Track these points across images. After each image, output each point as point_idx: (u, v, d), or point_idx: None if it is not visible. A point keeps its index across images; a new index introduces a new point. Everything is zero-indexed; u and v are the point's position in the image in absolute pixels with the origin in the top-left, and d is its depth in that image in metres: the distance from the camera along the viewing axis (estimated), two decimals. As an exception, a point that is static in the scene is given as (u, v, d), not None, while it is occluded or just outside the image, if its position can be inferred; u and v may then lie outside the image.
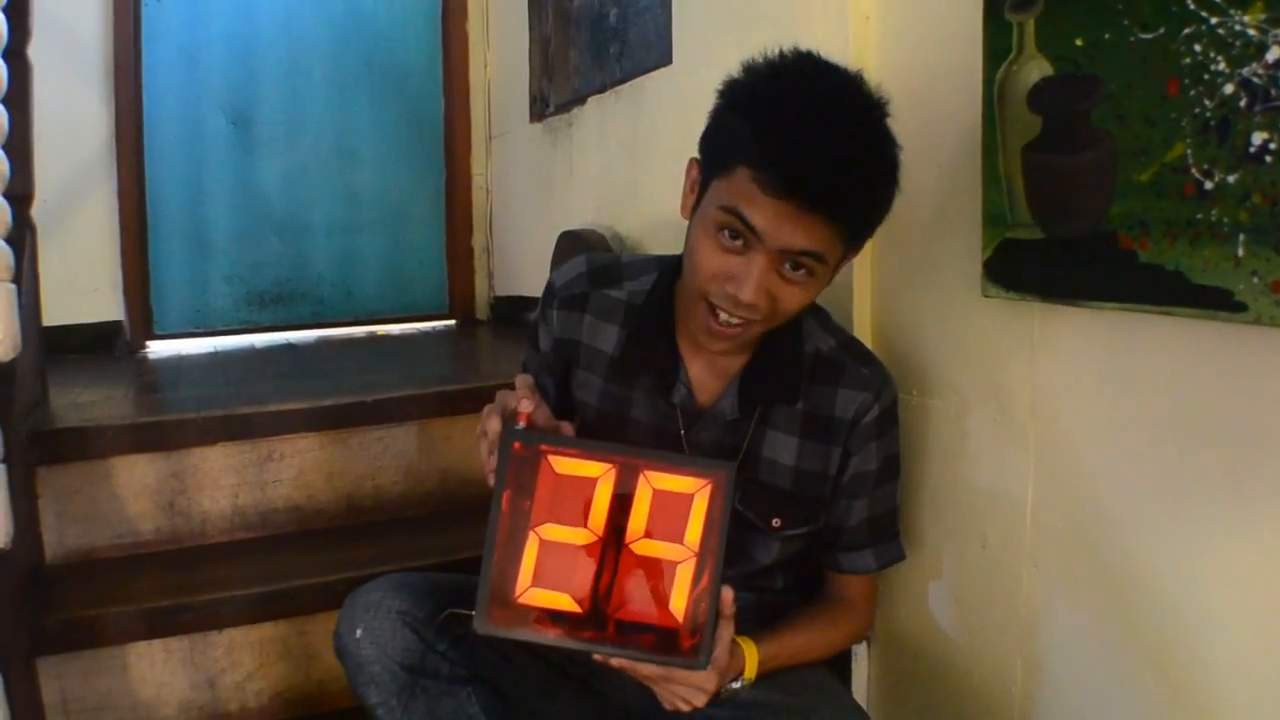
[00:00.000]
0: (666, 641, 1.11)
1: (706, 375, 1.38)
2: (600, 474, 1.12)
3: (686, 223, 1.29)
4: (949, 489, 1.51)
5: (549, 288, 1.46)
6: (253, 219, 3.69)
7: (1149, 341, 1.16)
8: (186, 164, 3.56)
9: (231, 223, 3.66)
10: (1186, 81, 1.02)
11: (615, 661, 1.12)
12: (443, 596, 1.35)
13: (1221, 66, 0.98)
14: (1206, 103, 1.00)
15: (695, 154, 1.28)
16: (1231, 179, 0.98)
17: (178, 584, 1.86)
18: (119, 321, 3.38)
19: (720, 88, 1.25)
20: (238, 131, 3.64)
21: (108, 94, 3.31)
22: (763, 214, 1.15)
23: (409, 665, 1.33)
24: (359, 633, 1.33)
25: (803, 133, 1.13)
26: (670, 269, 1.39)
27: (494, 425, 1.15)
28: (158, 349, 3.44)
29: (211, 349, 3.42)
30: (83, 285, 3.31)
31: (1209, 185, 1.01)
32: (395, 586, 1.37)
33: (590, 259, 1.47)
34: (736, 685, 1.24)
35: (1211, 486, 1.11)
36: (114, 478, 1.99)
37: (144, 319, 3.46)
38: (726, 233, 1.18)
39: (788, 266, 1.19)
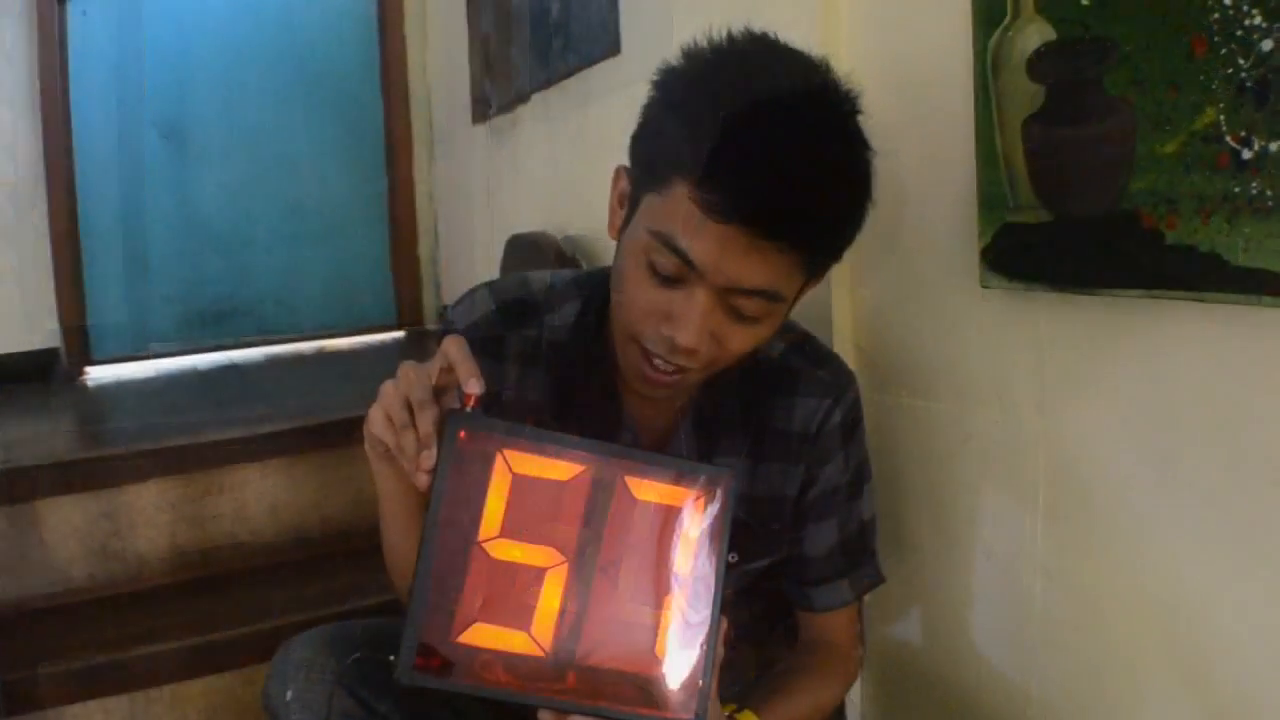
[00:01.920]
0: (648, 690, 0.95)
1: (652, 412, 1.22)
2: (571, 477, 0.95)
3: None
4: (949, 496, 1.43)
5: (448, 328, 1.23)
6: (191, 235, 3.67)
7: (1176, 331, 1.06)
8: (120, 181, 3.53)
9: (169, 240, 3.63)
10: (1216, 39, 0.91)
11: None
12: (385, 647, 1.19)
13: (1257, 20, 0.88)
14: (1241, 62, 0.90)
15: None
16: (1274, 147, 0.88)
17: (113, 637, 1.77)
18: (55, 349, 3.33)
19: (654, 77, 1.06)
20: (171, 145, 3.61)
21: (33, 111, 3.27)
22: (703, 244, 0.95)
23: None
24: (289, 695, 1.16)
25: (754, 139, 0.94)
26: (597, 293, 1.21)
27: (427, 417, 0.92)
28: (97, 375, 3.38)
29: (153, 372, 3.38)
30: (15, 313, 3.27)
31: (1247, 155, 0.90)
32: (329, 642, 1.20)
33: (495, 292, 1.26)
34: None
35: (1248, 490, 1.01)
36: (42, 522, 1.91)
37: (81, 345, 3.41)
38: (659, 264, 1.00)
39: (736, 304, 1.01)
